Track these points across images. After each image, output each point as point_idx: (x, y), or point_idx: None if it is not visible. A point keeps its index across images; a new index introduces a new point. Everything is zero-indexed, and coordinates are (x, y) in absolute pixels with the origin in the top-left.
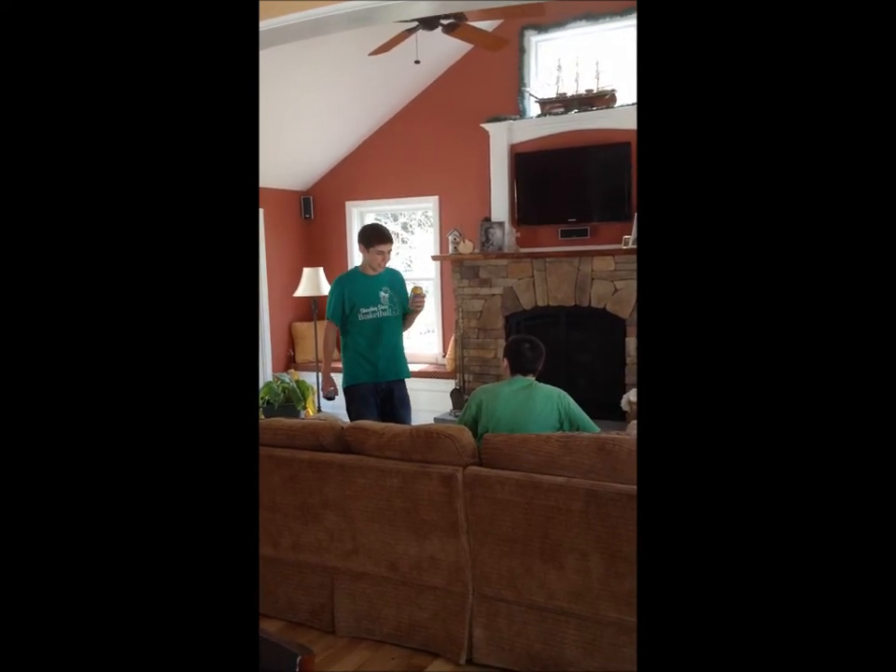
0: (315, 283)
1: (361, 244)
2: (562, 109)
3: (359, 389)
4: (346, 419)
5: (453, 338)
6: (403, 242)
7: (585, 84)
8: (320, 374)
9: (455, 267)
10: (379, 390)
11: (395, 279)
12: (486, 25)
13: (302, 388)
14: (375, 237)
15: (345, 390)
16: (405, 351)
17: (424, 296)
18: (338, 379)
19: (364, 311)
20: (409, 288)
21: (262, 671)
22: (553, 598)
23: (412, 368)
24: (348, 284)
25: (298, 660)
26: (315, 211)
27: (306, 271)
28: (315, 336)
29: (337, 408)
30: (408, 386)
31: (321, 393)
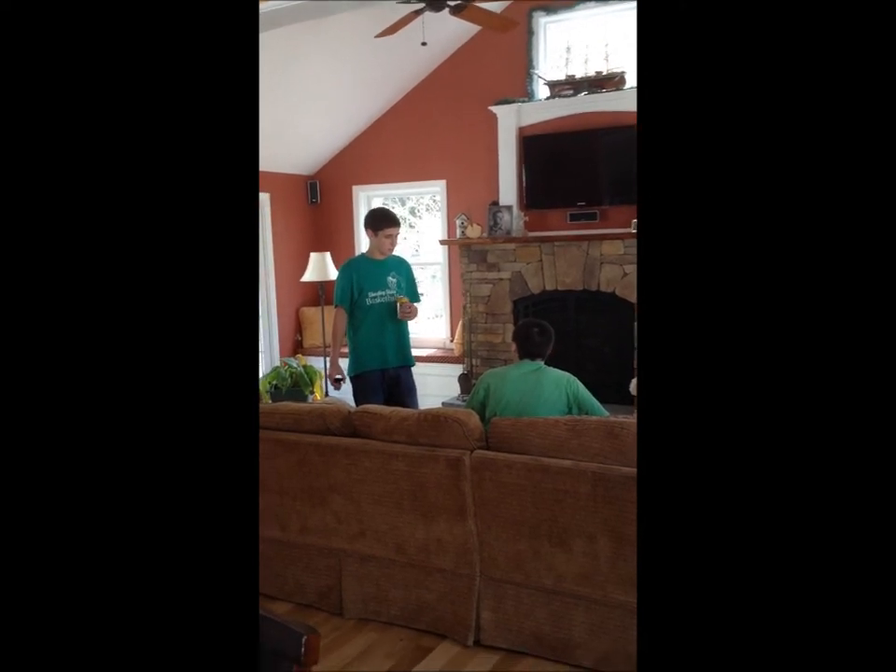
0: (322, 268)
1: (369, 228)
2: (571, 91)
3: (367, 377)
4: (353, 404)
5: (461, 322)
6: (411, 226)
7: (594, 66)
8: (328, 360)
9: (463, 251)
10: (386, 377)
11: (402, 265)
12: (494, 6)
13: (310, 373)
14: (384, 221)
15: (352, 379)
16: (410, 340)
17: (408, 302)
18: (344, 366)
19: (372, 295)
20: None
21: (268, 651)
22: (561, 581)
23: (419, 353)
24: (356, 268)
25: (303, 639)
26: (322, 195)
27: (313, 256)
28: (322, 321)
29: (344, 392)
30: (415, 371)
31: (328, 379)
